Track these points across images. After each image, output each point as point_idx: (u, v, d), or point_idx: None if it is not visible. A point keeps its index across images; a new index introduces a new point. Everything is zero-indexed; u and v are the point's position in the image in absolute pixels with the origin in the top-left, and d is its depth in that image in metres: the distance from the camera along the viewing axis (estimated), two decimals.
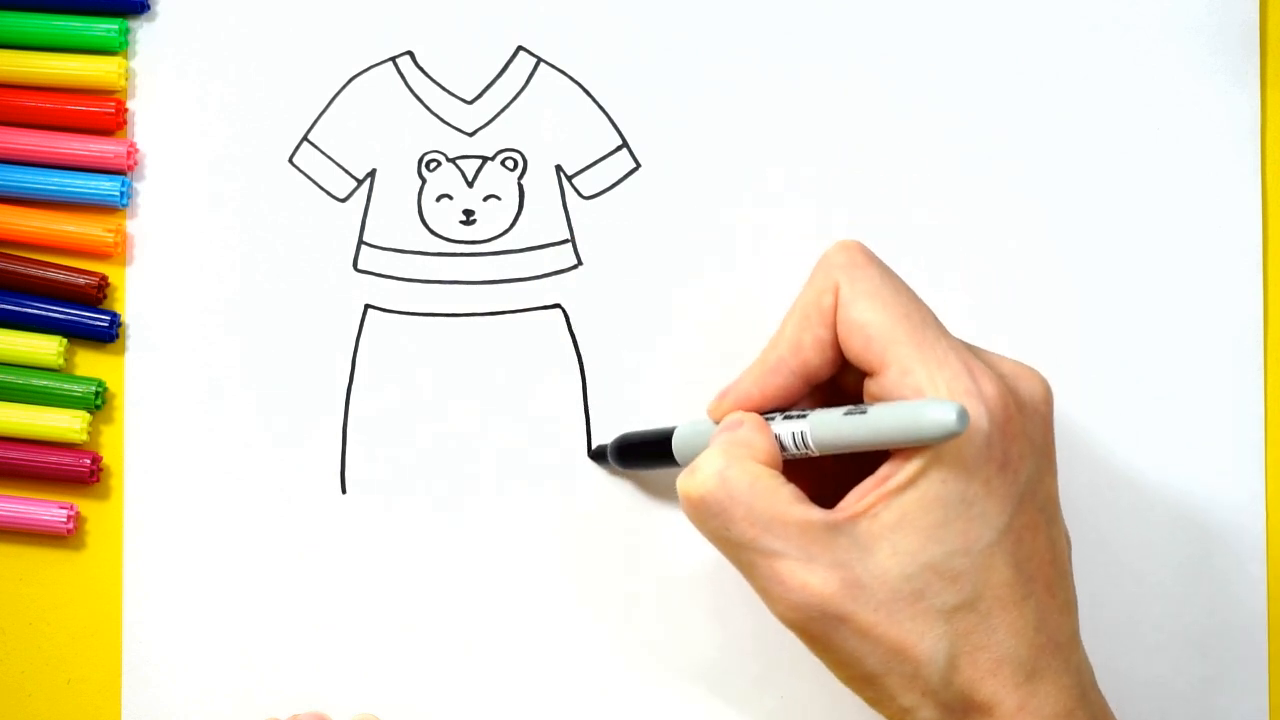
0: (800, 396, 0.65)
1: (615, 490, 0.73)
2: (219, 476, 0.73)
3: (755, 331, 0.72)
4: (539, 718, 0.72)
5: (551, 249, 0.73)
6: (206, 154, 0.73)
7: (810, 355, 0.64)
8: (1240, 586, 0.73)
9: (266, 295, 0.73)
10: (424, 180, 0.73)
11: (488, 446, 0.73)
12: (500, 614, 0.72)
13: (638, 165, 0.73)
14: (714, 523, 0.63)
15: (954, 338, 0.63)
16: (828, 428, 0.62)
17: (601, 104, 0.73)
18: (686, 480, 0.63)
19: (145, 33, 0.73)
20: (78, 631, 0.72)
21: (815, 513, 0.62)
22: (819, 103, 0.73)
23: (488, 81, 0.74)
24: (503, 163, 0.73)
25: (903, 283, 0.64)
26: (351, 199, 0.73)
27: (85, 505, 0.73)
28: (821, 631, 0.62)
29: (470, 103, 0.73)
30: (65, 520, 0.72)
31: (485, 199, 0.73)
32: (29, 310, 0.72)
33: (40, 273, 0.72)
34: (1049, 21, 0.73)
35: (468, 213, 0.73)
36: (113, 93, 0.73)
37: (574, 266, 0.73)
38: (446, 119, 0.73)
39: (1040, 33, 0.73)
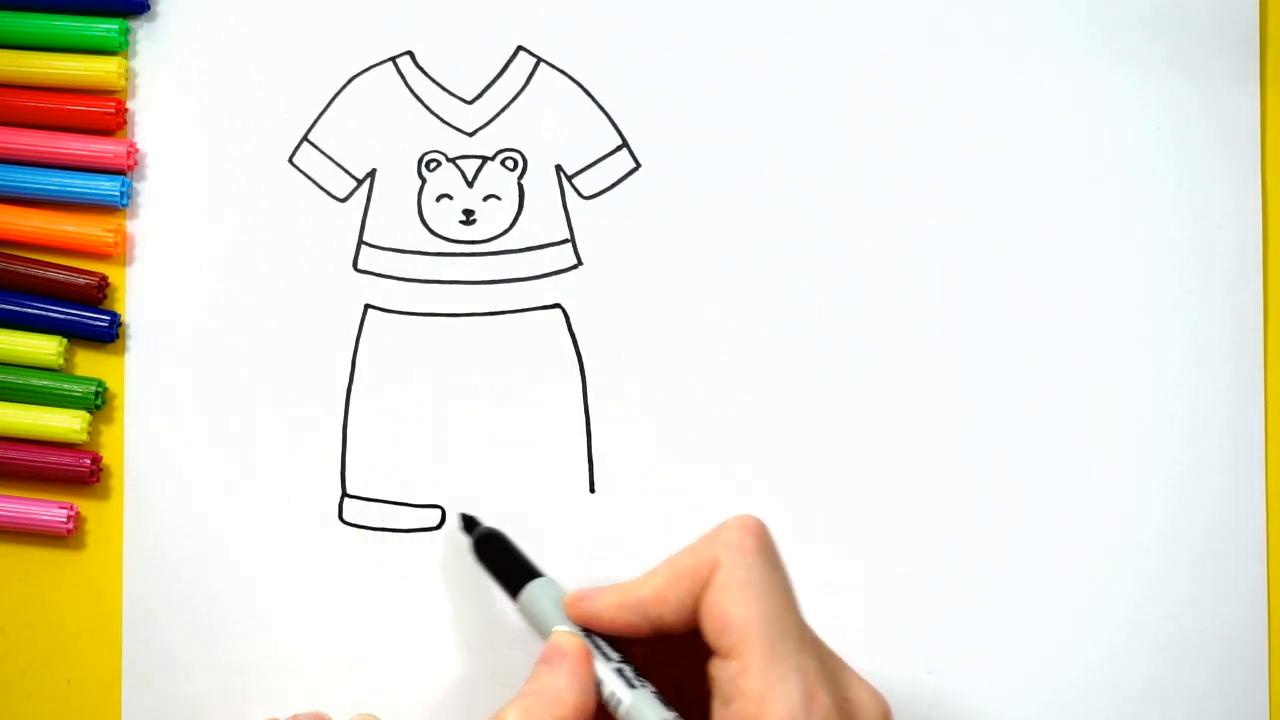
0: (648, 638, 0.65)
1: (615, 488, 0.73)
2: (219, 476, 0.73)
3: (755, 331, 0.72)
4: None
5: (551, 249, 0.73)
6: (206, 154, 0.73)
7: (667, 612, 0.64)
8: (1240, 587, 0.73)
9: (266, 295, 0.73)
10: (424, 180, 0.73)
11: (488, 447, 0.73)
12: (500, 614, 0.72)
13: (638, 165, 0.73)
14: None
15: (812, 654, 0.63)
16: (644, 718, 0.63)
17: (601, 104, 0.73)
18: None
19: (145, 33, 0.73)
20: (78, 631, 0.72)
21: None
22: (819, 103, 0.73)
23: (488, 81, 0.74)
24: (503, 163, 0.73)
25: (784, 581, 0.64)
26: (351, 199, 0.73)
27: (85, 505, 0.73)
28: None
29: (470, 103, 0.73)
30: (65, 520, 0.72)
31: (485, 199, 0.73)
32: (29, 310, 0.72)
33: (40, 273, 0.72)
34: (1049, 21, 0.73)
35: (468, 213, 0.73)
36: (113, 93, 0.73)
37: (574, 266, 0.73)
38: (446, 119, 0.73)
39: (1040, 32, 0.73)
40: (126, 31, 0.73)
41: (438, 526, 0.73)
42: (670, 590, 0.64)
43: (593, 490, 0.73)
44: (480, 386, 0.73)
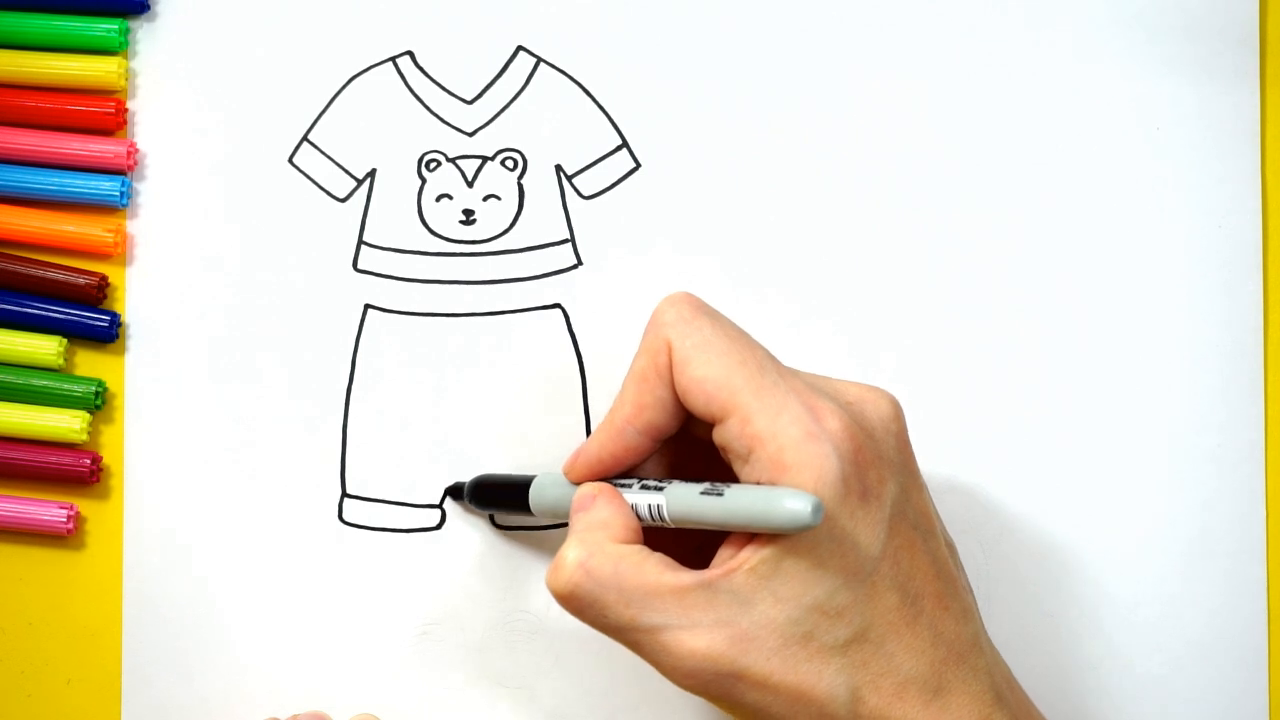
0: (651, 452, 0.65)
1: None
2: (219, 476, 0.73)
3: (754, 331, 0.72)
4: (539, 717, 0.72)
5: (551, 249, 0.73)
6: (206, 154, 0.73)
7: (653, 415, 0.64)
8: (1240, 586, 0.73)
9: (266, 295, 0.73)
10: (424, 180, 0.73)
11: (488, 446, 0.73)
12: (500, 614, 0.72)
13: (638, 165, 0.73)
14: (589, 613, 0.63)
15: (795, 376, 0.63)
16: (683, 505, 0.63)
17: (601, 104, 0.73)
18: (553, 578, 0.63)
19: (145, 33, 0.73)
20: (78, 631, 0.72)
21: (687, 576, 0.62)
22: (819, 102, 0.73)
23: (488, 81, 0.74)
24: (503, 163, 0.73)
25: (736, 328, 0.64)
26: (351, 199, 0.73)
27: (85, 505, 0.73)
28: (721, 691, 0.62)
29: (470, 103, 0.73)
30: (65, 520, 0.72)
31: (485, 199, 0.73)
32: (29, 310, 0.72)
33: (40, 273, 0.72)
34: (1048, 21, 0.73)
35: (468, 213, 0.73)
36: (113, 93, 0.73)
37: (574, 266, 0.73)
38: (446, 119, 0.73)
39: (1039, 32, 0.73)
40: (126, 31, 0.73)
41: (438, 526, 0.73)
42: (644, 394, 0.64)
43: None
44: (480, 386, 0.73)
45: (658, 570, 0.62)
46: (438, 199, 0.73)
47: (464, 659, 0.72)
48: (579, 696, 0.72)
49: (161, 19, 0.73)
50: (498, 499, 0.71)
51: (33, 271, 0.72)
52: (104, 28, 0.73)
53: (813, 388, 0.63)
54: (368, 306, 0.73)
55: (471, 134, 0.73)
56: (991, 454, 0.73)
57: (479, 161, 0.73)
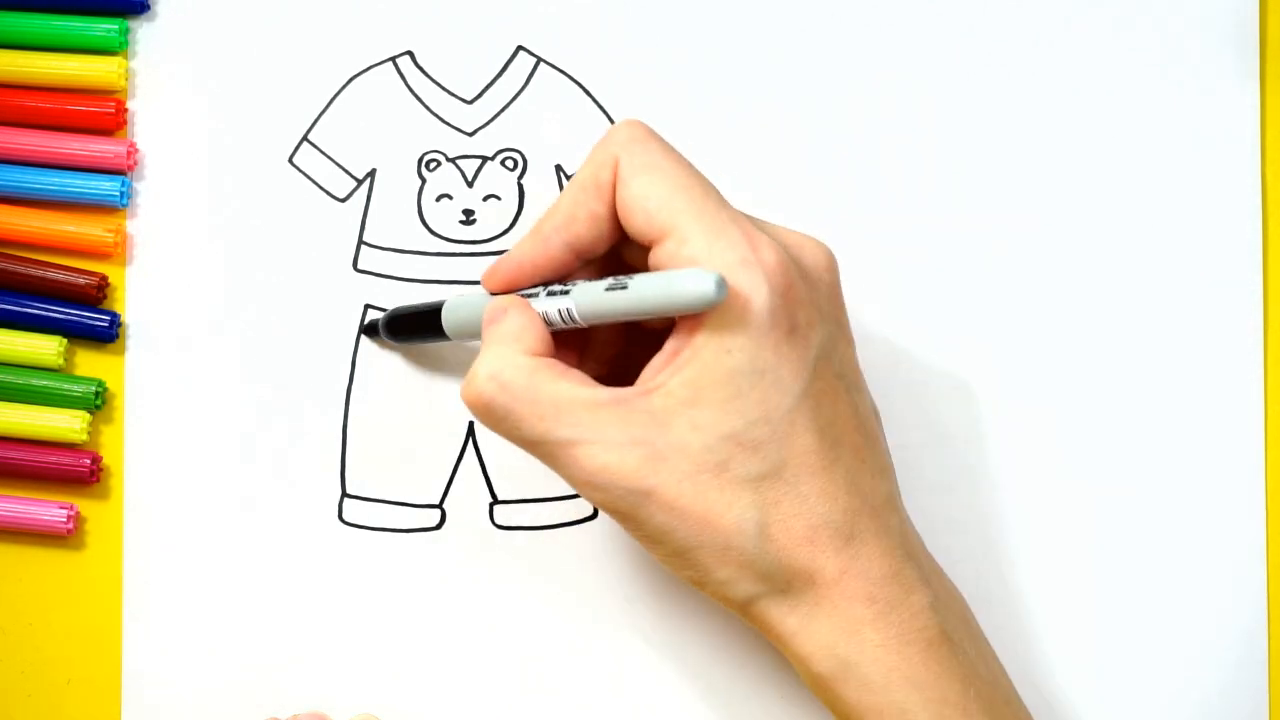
0: (572, 270, 0.65)
1: None
2: (219, 476, 0.73)
3: None
4: (538, 718, 0.72)
5: None
6: (206, 154, 0.73)
7: (582, 230, 0.64)
8: (1240, 587, 0.73)
9: (266, 295, 0.73)
10: (424, 180, 0.73)
11: (489, 446, 0.73)
12: (501, 614, 0.72)
13: None
14: (504, 426, 0.63)
15: (736, 210, 0.63)
16: (591, 301, 0.62)
17: (601, 104, 0.73)
18: (466, 390, 0.63)
19: (145, 33, 0.73)
20: (78, 631, 0.72)
21: (603, 392, 0.62)
22: (819, 103, 0.73)
23: (488, 81, 0.74)
24: (503, 163, 0.73)
25: (684, 159, 0.64)
26: (351, 199, 0.73)
27: (85, 505, 0.73)
28: (629, 508, 0.62)
29: (470, 103, 0.73)
30: (65, 520, 0.72)
31: (485, 199, 0.73)
32: (29, 310, 0.72)
33: (40, 273, 0.72)
34: (1048, 21, 0.73)
35: (468, 213, 0.73)
36: (113, 93, 0.73)
37: None
38: (446, 119, 0.73)
39: (1039, 32, 0.73)
40: (126, 31, 0.73)
41: (438, 526, 0.73)
42: (579, 207, 0.64)
43: None
44: None
45: (571, 385, 0.62)
46: (438, 199, 0.73)
47: (464, 658, 0.72)
48: (578, 690, 0.72)
49: (161, 19, 0.73)
50: (412, 328, 0.70)
51: (33, 271, 0.72)
52: (104, 28, 0.73)
53: (753, 222, 0.63)
54: (368, 306, 0.73)
55: (471, 134, 0.73)
56: (991, 454, 0.73)
57: (479, 161, 0.73)
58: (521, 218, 0.73)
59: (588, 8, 0.73)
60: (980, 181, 0.73)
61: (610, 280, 0.62)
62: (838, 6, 0.73)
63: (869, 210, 0.73)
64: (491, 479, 0.73)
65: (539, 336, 0.63)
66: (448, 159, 0.73)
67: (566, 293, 0.63)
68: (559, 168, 0.73)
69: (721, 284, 0.59)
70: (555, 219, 0.65)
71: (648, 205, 0.63)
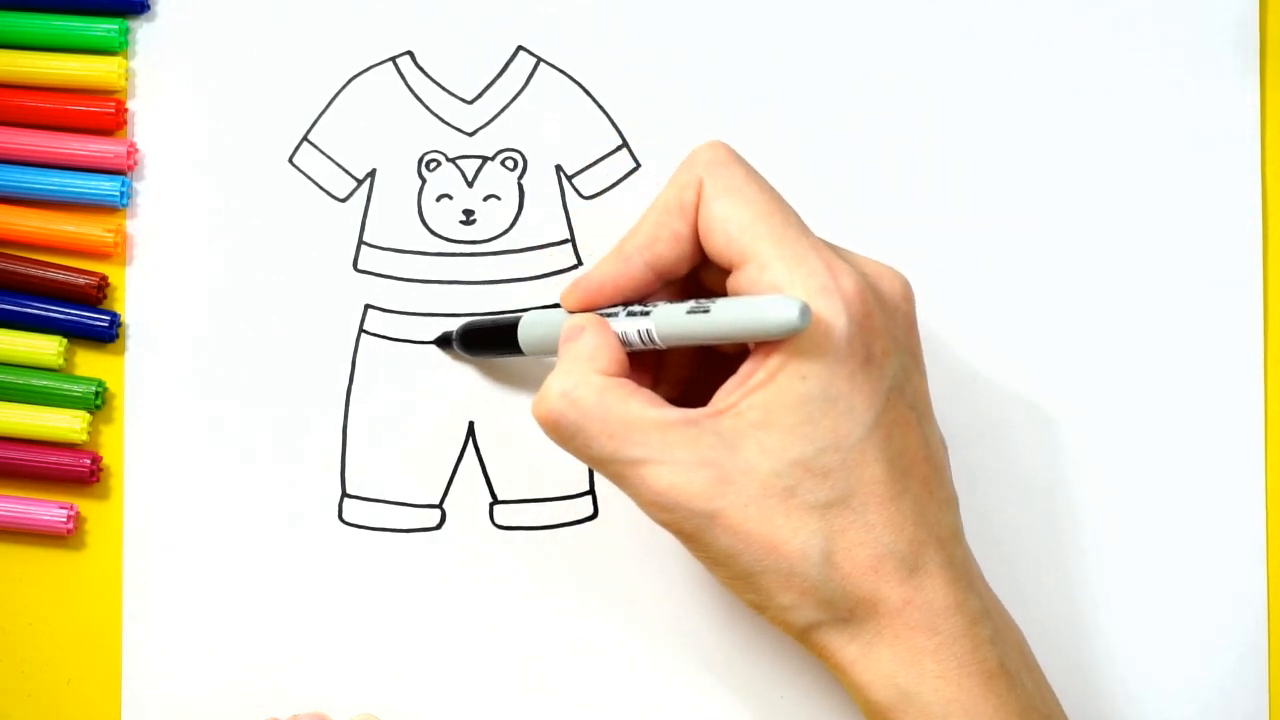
0: (652, 290, 0.65)
1: (617, 491, 0.73)
2: (219, 476, 0.73)
3: None
4: (539, 718, 0.72)
5: (551, 249, 0.73)
6: (206, 154, 0.73)
7: (664, 250, 0.64)
8: (1240, 586, 0.73)
9: (266, 295, 0.73)
10: (424, 180, 0.73)
11: (489, 446, 0.73)
12: (501, 614, 0.72)
13: (638, 165, 0.73)
14: (574, 443, 0.63)
15: (817, 237, 0.63)
16: (672, 323, 0.62)
17: (601, 104, 0.73)
18: (537, 406, 0.63)
19: (145, 33, 0.73)
20: (78, 631, 0.72)
21: (672, 413, 0.62)
22: (819, 103, 0.73)
23: (488, 81, 0.74)
24: (503, 163, 0.73)
25: (767, 183, 0.64)
26: (351, 199, 0.73)
27: (85, 505, 0.73)
28: (694, 529, 0.62)
29: (470, 103, 0.73)
30: (65, 520, 0.72)
31: (485, 199, 0.73)
32: (29, 310, 0.72)
33: (40, 273, 0.72)
34: (1048, 21, 0.73)
35: (468, 213, 0.73)
36: (113, 93, 0.73)
37: (574, 266, 0.73)
38: (446, 119, 0.73)
39: (1040, 32, 0.73)
40: (126, 31, 0.73)
41: (438, 526, 0.73)
42: (662, 227, 0.64)
43: (593, 489, 0.73)
44: (480, 386, 0.73)
45: (642, 405, 0.62)
46: (438, 199, 0.73)
47: (464, 658, 0.72)
48: (579, 690, 0.72)
49: (161, 19, 0.73)
50: (487, 342, 0.70)
51: (33, 271, 0.72)
52: (104, 28, 0.73)
53: (833, 250, 0.63)
54: (368, 306, 0.73)
55: (471, 134, 0.73)
56: (991, 454, 0.73)
57: (479, 161, 0.73)
58: (521, 218, 0.73)
59: (588, 8, 0.73)
60: (980, 182, 0.73)
61: (692, 303, 0.62)
62: (838, 7, 0.73)
63: (868, 208, 0.73)
64: (491, 479, 0.73)
65: (614, 357, 0.63)
66: (448, 159, 0.73)
67: (647, 314, 0.63)
68: (559, 168, 0.73)
69: (805, 311, 0.59)
70: (638, 239, 0.65)
71: (729, 228, 0.63)
